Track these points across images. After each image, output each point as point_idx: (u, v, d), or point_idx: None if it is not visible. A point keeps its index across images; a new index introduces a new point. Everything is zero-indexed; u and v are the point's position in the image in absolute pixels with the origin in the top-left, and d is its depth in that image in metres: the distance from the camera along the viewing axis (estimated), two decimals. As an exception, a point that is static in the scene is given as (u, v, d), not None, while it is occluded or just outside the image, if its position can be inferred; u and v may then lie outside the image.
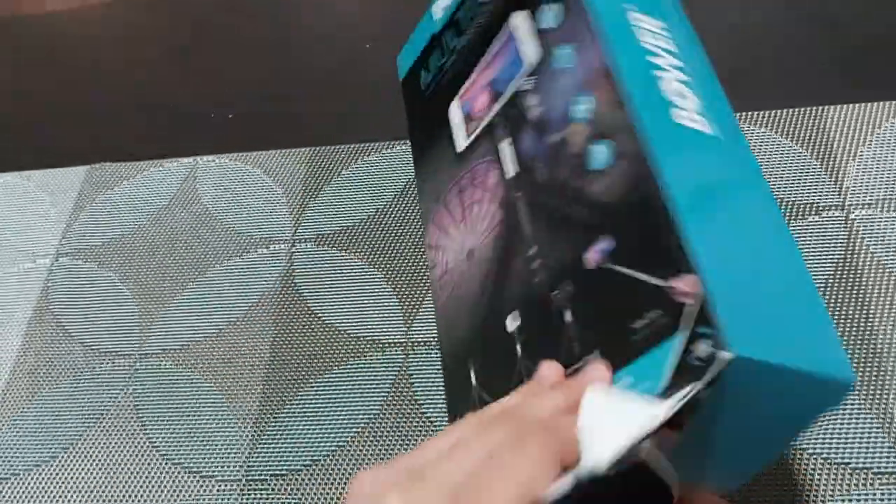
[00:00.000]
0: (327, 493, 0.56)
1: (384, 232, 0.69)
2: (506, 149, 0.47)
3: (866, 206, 0.62)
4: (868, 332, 0.56)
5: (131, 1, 0.99)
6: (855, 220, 0.61)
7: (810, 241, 0.61)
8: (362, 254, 0.68)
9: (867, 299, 0.57)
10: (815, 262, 0.59)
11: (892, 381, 0.54)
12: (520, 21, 0.47)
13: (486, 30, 0.50)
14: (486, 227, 0.46)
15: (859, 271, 0.59)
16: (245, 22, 0.93)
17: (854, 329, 0.56)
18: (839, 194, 0.63)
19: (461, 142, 0.50)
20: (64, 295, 0.72)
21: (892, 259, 0.59)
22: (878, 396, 0.53)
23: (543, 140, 0.44)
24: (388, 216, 0.70)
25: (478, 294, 0.45)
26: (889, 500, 0.49)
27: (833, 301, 0.58)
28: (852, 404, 0.52)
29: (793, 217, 0.62)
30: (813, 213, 0.62)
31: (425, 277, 0.65)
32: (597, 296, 0.39)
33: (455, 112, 0.51)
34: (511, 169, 0.46)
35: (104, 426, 0.62)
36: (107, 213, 0.77)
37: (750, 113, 0.68)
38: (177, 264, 0.72)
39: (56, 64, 0.96)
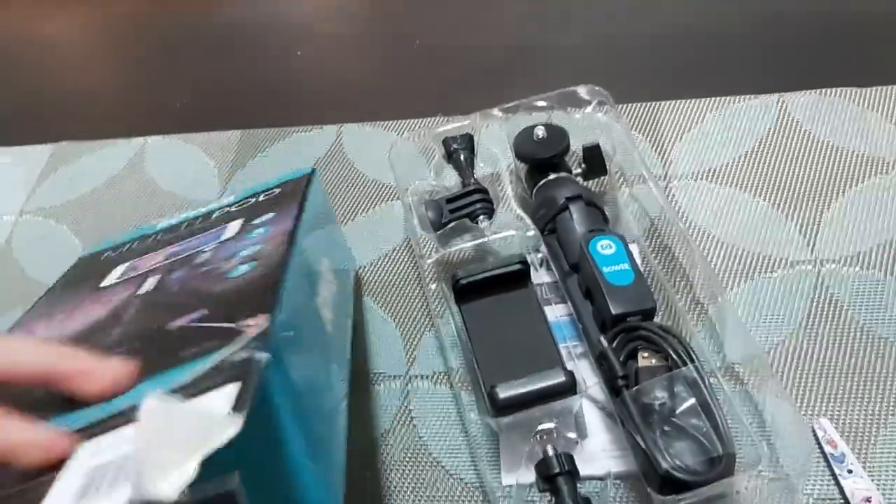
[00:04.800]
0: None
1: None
2: (151, 278, 0.51)
3: (684, 177, 0.76)
4: (681, 283, 0.69)
5: (107, 23, 1.15)
6: (672, 188, 0.76)
7: (639, 204, 0.75)
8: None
9: (675, 254, 0.71)
10: (639, 224, 0.73)
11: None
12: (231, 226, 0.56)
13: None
14: (85, 321, 0.47)
15: (670, 227, 0.72)
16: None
17: (657, 282, 0.70)
18: (663, 167, 0.77)
19: (108, 281, 0.54)
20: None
21: (701, 217, 0.73)
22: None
23: (195, 266, 0.49)
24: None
25: None
26: None
27: (651, 256, 0.71)
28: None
29: (629, 185, 0.76)
30: (641, 182, 0.76)
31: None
32: (160, 341, 0.39)
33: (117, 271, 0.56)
34: (147, 287, 0.49)
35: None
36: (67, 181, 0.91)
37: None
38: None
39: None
